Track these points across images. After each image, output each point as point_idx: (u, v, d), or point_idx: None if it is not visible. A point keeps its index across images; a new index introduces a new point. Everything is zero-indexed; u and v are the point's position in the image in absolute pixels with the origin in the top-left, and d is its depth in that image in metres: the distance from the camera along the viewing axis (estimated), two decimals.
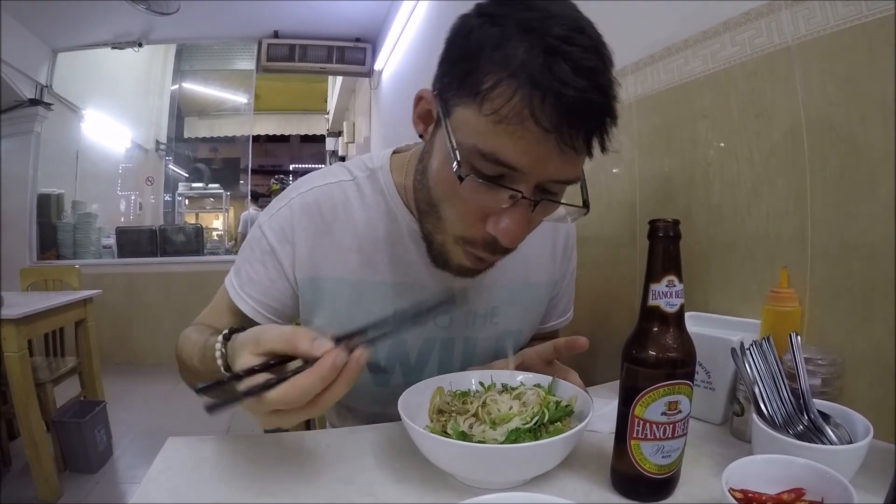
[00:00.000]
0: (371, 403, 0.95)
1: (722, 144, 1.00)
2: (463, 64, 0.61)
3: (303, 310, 0.87)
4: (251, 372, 0.54)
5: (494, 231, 0.65)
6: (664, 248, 0.58)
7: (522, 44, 0.57)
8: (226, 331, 0.65)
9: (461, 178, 0.61)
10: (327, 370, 0.50)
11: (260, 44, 5.17)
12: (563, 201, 0.68)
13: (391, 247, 0.84)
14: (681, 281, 0.58)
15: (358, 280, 0.84)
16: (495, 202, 0.63)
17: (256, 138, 10.17)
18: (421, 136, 0.74)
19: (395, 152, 0.89)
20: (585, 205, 0.68)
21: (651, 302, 0.59)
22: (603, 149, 0.62)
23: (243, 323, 0.83)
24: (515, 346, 0.95)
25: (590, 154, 0.62)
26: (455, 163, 0.61)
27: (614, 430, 0.62)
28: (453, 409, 0.72)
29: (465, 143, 0.61)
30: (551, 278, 0.99)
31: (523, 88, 0.56)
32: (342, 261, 0.83)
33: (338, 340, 0.53)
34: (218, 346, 0.64)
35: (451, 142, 0.62)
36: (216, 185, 8.51)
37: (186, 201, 8.43)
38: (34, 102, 4.63)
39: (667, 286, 0.58)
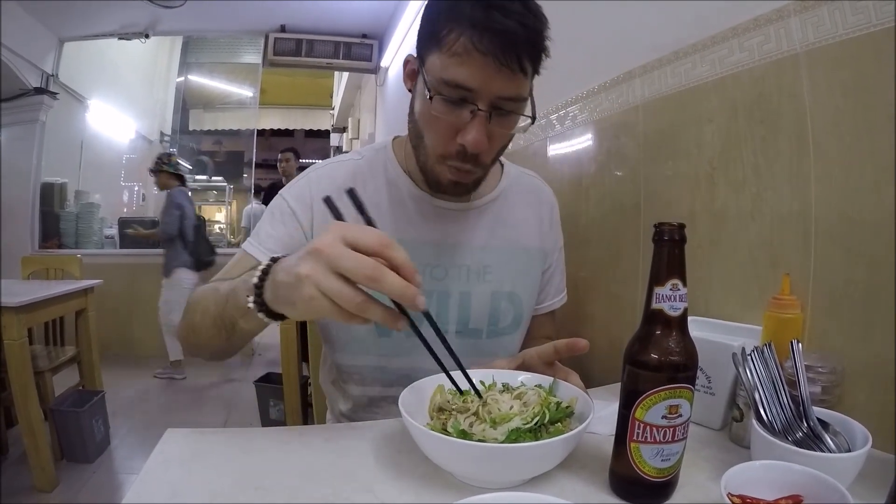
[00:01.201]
0: (375, 357, 0.99)
1: (727, 149, 1.00)
2: (429, 26, 0.82)
3: None
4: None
5: (462, 140, 0.82)
6: (669, 251, 0.58)
7: (468, 3, 0.77)
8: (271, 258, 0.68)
9: (431, 99, 0.81)
10: (412, 289, 0.57)
11: (267, 38, 5.16)
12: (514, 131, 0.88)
13: (394, 209, 0.99)
14: (685, 285, 0.59)
15: None
16: (459, 119, 0.82)
17: (261, 132, 10.16)
18: (410, 91, 0.92)
19: (395, 138, 1.06)
20: (533, 117, 0.87)
21: (654, 305, 0.59)
22: (535, 71, 0.82)
23: None
24: (516, 310, 1.05)
25: (524, 72, 0.79)
26: (427, 92, 0.81)
27: (614, 433, 0.62)
28: (454, 407, 0.72)
29: (433, 78, 0.81)
30: (541, 246, 1.11)
31: (467, 30, 0.76)
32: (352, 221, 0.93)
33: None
34: (262, 267, 0.66)
35: (424, 80, 0.83)
36: (220, 179, 8.51)
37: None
38: (39, 91, 4.63)
39: (671, 290, 0.58)
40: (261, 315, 0.66)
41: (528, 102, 0.86)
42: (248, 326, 0.73)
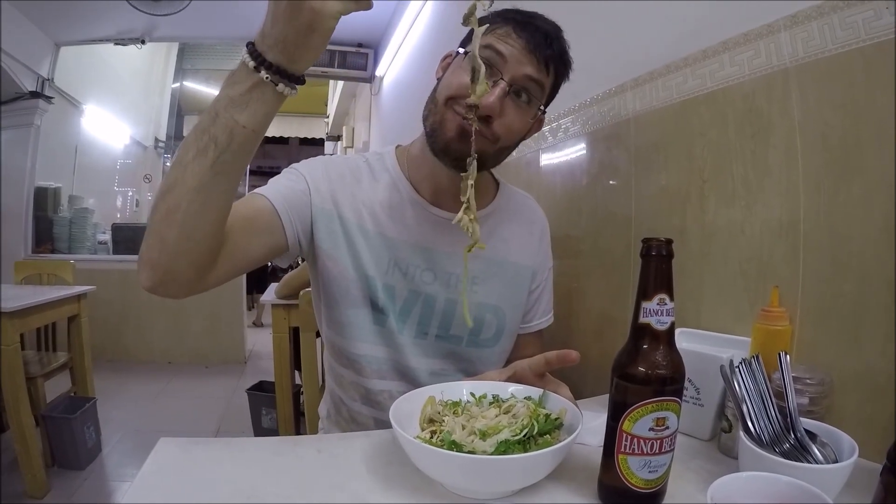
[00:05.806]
0: (371, 345, 1.03)
1: (718, 162, 1.01)
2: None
3: (324, 238, 0.99)
4: None
5: (478, 101, 0.85)
6: (656, 266, 0.59)
7: (516, 11, 0.93)
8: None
9: (465, 54, 0.89)
10: None
11: None
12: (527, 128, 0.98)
13: (393, 210, 1.02)
14: (672, 300, 0.59)
15: (369, 230, 1.01)
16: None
17: None
18: (438, 79, 0.98)
19: (397, 147, 1.10)
20: (542, 111, 0.97)
21: (642, 319, 0.60)
22: (556, 75, 0.94)
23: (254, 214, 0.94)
24: (499, 323, 1.07)
25: (546, 69, 0.91)
26: (462, 50, 0.92)
27: (602, 444, 0.63)
28: (444, 418, 0.72)
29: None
30: (530, 263, 1.12)
31: (511, 22, 0.90)
32: (358, 212, 1.01)
33: None
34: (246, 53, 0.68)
35: (463, 49, 0.93)
36: None
37: None
38: (35, 95, 4.62)
39: (658, 304, 0.59)
40: (276, 78, 0.68)
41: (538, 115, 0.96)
42: (253, 117, 0.72)
